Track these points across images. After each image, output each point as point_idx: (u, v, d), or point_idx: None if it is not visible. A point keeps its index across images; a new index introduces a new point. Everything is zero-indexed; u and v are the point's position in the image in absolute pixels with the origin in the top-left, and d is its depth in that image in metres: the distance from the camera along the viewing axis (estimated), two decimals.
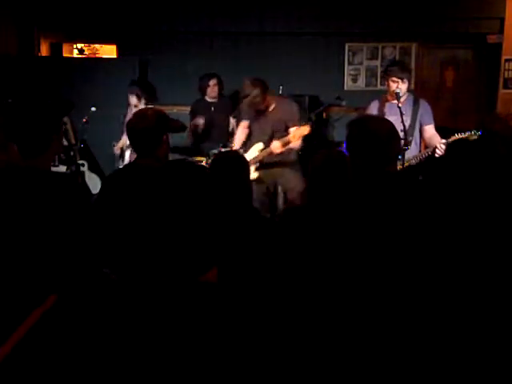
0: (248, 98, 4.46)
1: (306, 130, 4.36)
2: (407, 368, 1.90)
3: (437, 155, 3.97)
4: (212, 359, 1.06)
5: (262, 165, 4.64)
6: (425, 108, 4.38)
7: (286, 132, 4.53)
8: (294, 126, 4.52)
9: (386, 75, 4.41)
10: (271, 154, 4.50)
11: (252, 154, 4.65)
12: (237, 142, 4.95)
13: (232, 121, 6.12)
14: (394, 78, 4.30)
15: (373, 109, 4.47)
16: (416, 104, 4.36)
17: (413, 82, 7.48)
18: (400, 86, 4.25)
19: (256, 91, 4.43)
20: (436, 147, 3.98)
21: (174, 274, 1.15)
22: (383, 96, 4.50)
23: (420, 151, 4.37)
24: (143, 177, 2.42)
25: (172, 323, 1.09)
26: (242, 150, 4.73)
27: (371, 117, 3.25)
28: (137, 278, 1.16)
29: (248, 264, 2.16)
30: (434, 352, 1.91)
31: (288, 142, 4.39)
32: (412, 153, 4.13)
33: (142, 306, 1.12)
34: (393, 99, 4.34)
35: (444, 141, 3.97)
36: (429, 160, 4.14)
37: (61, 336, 1.13)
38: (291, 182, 4.69)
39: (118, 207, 2.41)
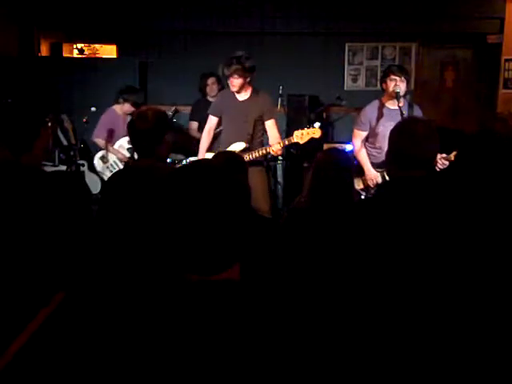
0: (232, 67, 4.24)
1: (317, 133, 4.19)
2: (408, 368, 1.91)
3: (438, 169, 3.93)
4: (227, 359, 1.06)
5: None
6: (418, 114, 4.34)
7: (262, 125, 4.44)
8: (269, 119, 4.41)
9: (385, 76, 4.40)
10: (261, 156, 4.36)
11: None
12: (201, 151, 4.68)
13: None
14: (392, 76, 4.29)
15: (371, 113, 4.44)
16: (411, 109, 4.35)
17: (413, 82, 7.49)
18: (398, 84, 4.25)
19: (250, 62, 4.30)
20: (437, 162, 3.95)
21: (191, 273, 1.15)
22: (380, 100, 4.46)
23: None
24: (146, 178, 2.42)
25: (188, 322, 1.08)
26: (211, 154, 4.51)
27: (413, 117, 3.09)
28: (145, 277, 1.16)
29: (244, 265, 2.16)
30: (435, 353, 1.91)
31: (290, 143, 4.29)
32: None
33: (155, 305, 1.12)
34: (389, 100, 4.34)
35: (444, 155, 3.94)
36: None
37: (69, 334, 1.13)
38: (254, 182, 4.37)
39: (124, 207, 2.41)
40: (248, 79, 4.37)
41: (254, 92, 4.48)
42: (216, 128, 4.72)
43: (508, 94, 6.58)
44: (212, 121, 4.68)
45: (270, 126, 4.45)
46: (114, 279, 1.81)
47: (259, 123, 4.48)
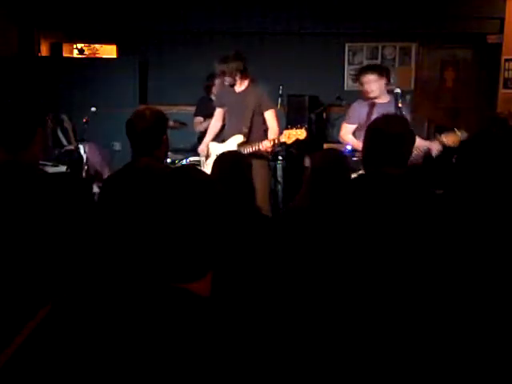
0: (228, 66, 4.40)
1: (302, 134, 4.23)
2: (407, 368, 1.91)
3: (433, 154, 3.98)
4: (210, 363, 1.06)
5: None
6: (405, 109, 4.35)
7: (262, 117, 4.48)
8: (268, 109, 4.46)
9: (359, 80, 4.42)
10: (259, 151, 4.38)
11: (230, 146, 4.47)
12: (208, 136, 4.79)
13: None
14: (363, 80, 4.32)
15: (360, 110, 4.43)
16: (397, 105, 4.38)
17: (413, 82, 7.50)
18: (370, 86, 4.26)
19: (238, 63, 4.41)
20: (431, 147, 4.01)
21: (167, 279, 1.15)
22: (370, 101, 4.45)
23: None
24: (143, 178, 2.41)
25: (166, 329, 1.08)
26: (214, 143, 4.69)
27: (386, 116, 3.16)
28: (132, 282, 1.16)
29: (248, 265, 2.16)
30: (434, 352, 1.91)
31: (279, 142, 4.35)
32: None
33: (136, 311, 1.12)
34: (375, 98, 4.34)
35: (438, 140, 3.99)
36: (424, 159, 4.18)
37: (59, 342, 1.13)
38: (256, 175, 4.48)
39: (118, 209, 2.40)
40: (237, 76, 4.46)
41: (252, 83, 4.56)
42: (224, 119, 4.80)
43: (508, 94, 6.57)
44: (218, 112, 4.80)
45: (269, 116, 4.49)
46: (106, 284, 1.81)
47: (258, 114, 4.51)
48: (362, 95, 4.49)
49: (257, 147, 4.36)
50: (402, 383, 1.90)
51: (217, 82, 5.97)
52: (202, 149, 4.81)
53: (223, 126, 4.81)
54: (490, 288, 1.94)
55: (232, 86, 4.54)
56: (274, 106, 4.59)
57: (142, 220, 1.16)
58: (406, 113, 4.36)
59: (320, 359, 1.69)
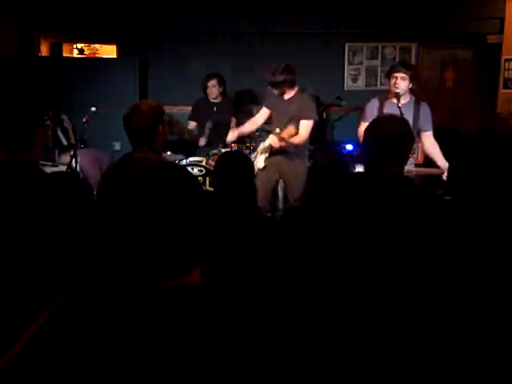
0: (280, 77, 4.61)
1: (292, 130, 4.50)
2: (407, 367, 1.91)
3: (445, 178, 3.89)
4: (201, 360, 1.06)
5: (271, 153, 4.77)
6: (426, 113, 4.34)
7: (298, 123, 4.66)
8: (304, 119, 4.64)
9: (389, 73, 4.42)
10: (271, 147, 4.62)
11: (266, 143, 4.78)
12: (236, 131, 5.05)
13: (233, 120, 6.10)
14: (393, 74, 4.30)
15: (373, 108, 4.46)
16: (417, 106, 4.32)
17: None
18: (398, 82, 4.24)
19: (289, 77, 4.63)
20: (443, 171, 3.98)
21: (155, 276, 1.15)
22: (383, 95, 4.50)
23: (417, 157, 4.40)
24: (135, 173, 2.39)
25: (159, 325, 1.09)
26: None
27: (383, 117, 3.18)
28: (124, 280, 1.16)
29: (244, 264, 2.16)
30: (433, 351, 1.91)
31: (282, 138, 4.50)
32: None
33: (129, 308, 1.12)
34: (392, 97, 4.34)
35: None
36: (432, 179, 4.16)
37: (69, 337, 1.13)
38: (291, 174, 4.76)
39: (113, 203, 2.40)
40: (286, 87, 4.69)
41: (299, 93, 4.81)
42: (266, 119, 5.02)
43: (508, 94, 6.58)
44: (264, 110, 5.00)
45: (303, 125, 4.68)
46: (107, 282, 1.81)
47: (295, 121, 4.65)
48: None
49: (268, 142, 4.60)
50: (399, 380, 1.90)
51: (210, 84, 5.99)
52: (230, 136, 5.04)
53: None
54: (488, 285, 1.94)
55: (281, 94, 4.75)
56: (312, 117, 4.76)
57: (130, 215, 1.16)
58: (426, 109, 4.33)
59: (319, 355, 1.70)
